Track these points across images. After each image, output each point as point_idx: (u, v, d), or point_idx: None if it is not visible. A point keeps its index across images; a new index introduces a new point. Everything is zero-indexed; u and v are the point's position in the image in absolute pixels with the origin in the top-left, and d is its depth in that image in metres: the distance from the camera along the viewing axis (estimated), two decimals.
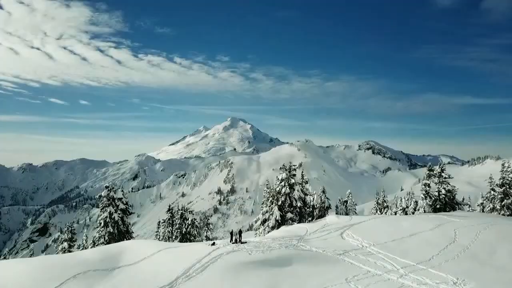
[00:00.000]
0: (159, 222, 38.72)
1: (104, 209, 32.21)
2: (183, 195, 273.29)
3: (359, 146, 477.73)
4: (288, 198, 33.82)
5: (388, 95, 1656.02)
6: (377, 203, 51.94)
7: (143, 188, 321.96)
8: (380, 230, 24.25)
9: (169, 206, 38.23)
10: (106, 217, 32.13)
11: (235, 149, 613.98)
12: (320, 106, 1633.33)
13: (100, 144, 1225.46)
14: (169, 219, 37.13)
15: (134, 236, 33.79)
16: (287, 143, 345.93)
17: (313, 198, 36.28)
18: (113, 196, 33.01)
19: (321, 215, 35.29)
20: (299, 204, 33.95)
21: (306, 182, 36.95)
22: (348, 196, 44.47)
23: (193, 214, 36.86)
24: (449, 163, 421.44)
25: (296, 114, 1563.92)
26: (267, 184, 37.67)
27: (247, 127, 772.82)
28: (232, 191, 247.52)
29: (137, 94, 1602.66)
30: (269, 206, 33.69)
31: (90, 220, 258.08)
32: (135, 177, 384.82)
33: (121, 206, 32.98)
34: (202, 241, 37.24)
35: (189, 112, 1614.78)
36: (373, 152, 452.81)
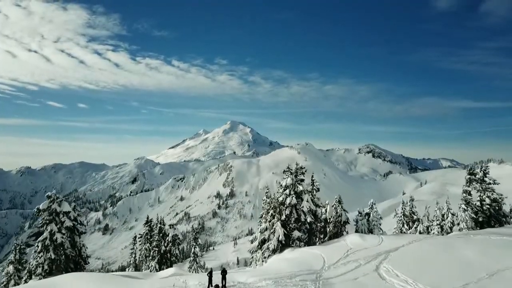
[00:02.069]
0: (135, 237, 31.75)
1: (45, 227, 23.96)
2: (181, 198, 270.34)
3: (359, 149, 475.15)
4: (294, 211, 26.01)
5: (387, 99, 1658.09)
6: (404, 214, 39.43)
7: (141, 191, 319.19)
8: (435, 262, 16.37)
9: (147, 218, 31.35)
10: (46, 238, 23.61)
11: (234, 152, 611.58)
12: (319, 110, 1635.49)
13: (99, 147, 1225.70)
14: (147, 233, 30.58)
15: (88, 262, 25.54)
16: (287, 146, 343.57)
17: (326, 210, 28.98)
18: (56, 210, 24.57)
19: (337, 233, 28.11)
20: (308, 219, 26.17)
21: (318, 190, 28.77)
22: (371, 207, 33.75)
23: (174, 228, 29.01)
24: (449, 166, 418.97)
25: (295, 117, 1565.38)
26: (266, 192, 29.49)
27: (247, 131, 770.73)
28: (232, 194, 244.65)
29: (136, 97, 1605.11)
30: (269, 222, 25.60)
31: (87, 224, 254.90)
32: (134, 181, 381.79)
33: (67, 223, 24.06)
34: (193, 257, 31.43)
35: (188, 115, 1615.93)
36: (373, 156, 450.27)
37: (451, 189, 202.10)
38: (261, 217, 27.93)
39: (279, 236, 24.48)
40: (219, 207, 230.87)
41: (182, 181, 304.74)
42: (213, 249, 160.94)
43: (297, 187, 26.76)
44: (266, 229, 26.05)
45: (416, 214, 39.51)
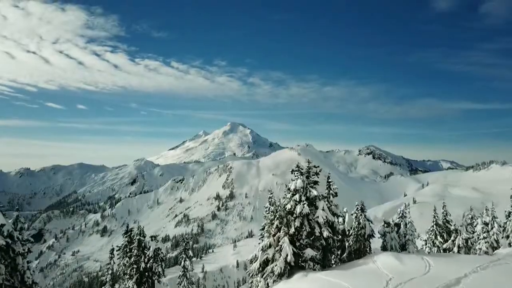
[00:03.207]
0: (112, 250, 25.93)
1: None
2: (181, 200, 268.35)
3: (359, 151, 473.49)
4: (306, 223, 19.99)
5: (387, 100, 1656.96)
6: (437, 224, 32.39)
7: (141, 193, 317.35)
8: None
9: (127, 228, 25.40)
10: None
11: (234, 154, 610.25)
12: (319, 111, 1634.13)
13: (99, 149, 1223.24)
14: (125, 245, 24.30)
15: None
16: (287, 147, 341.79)
17: (344, 220, 22.92)
18: None
19: (359, 249, 21.84)
20: (325, 233, 19.96)
21: (335, 195, 22.33)
22: (402, 215, 25.64)
23: (157, 241, 23.42)
24: (449, 168, 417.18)
25: (295, 119, 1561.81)
26: (270, 198, 23.59)
27: (247, 132, 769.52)
28: (231, 196, 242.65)
29: (135, 98, 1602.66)
30: (274, 236, 19.82)
31: (86, 226, 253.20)
32: (133, 182, 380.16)
33: None
34: (183, 271, 27.05)
35: (188, 117, 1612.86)
36: (374, 157, 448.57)
37: (453, 191, 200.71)
38: (262, 229, 21.85)
39: (286, 255, 18.41)
40: (218, 209, 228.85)
41: (181, 182, 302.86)
42: (213, 251, 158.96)
43: (310, 191, 20.46)
44: (270, 246, 19.93)
45: (451, 223, 31.82)
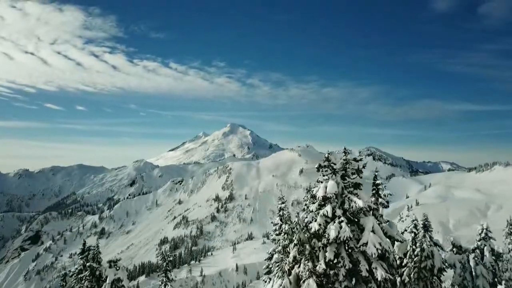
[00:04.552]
0: (65, 274, 19.68)
1: None
2: (180, 202, 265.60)
3: (360, 152, 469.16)
4: (345, 254, 12.76)
5: (387, 101, 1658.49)
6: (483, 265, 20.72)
7: (140, 194, 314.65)
8: None
9: (84, 246, 17.98)
10: None
11: (234, 155, 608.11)
12: (319, 112, 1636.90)
13: (98, 150, 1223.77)
14: (80, 270, 17.45)
15: None
16: (287, 149, 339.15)
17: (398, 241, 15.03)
18: None
19: None
20: (380, 273, 12.24)
21: (387, 204, 15.16)
22: (485, 236, 18.93)
23: (117, 267, 16.96)
24: (449, 169, 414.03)
25: (295, 120, 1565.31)
26: (280, 210, 15.68)
27: (247, 133, 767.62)
28: (231, 198, 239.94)
29: (134, 99, 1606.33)
30: (289, 276, 13.15)
31: (83, 228, 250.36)
32: (132, 183, 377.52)
33: None
34: None
35: (187, 118, 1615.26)
36: (374, 159, 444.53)
37: (456, 193, 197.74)
38: (269, 258, 15.19)
39: None
40: (218, 211, 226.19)
41: (180, 184, 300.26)
42: (212, 254, 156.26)
43: (350, 201, 13.09)
44: None
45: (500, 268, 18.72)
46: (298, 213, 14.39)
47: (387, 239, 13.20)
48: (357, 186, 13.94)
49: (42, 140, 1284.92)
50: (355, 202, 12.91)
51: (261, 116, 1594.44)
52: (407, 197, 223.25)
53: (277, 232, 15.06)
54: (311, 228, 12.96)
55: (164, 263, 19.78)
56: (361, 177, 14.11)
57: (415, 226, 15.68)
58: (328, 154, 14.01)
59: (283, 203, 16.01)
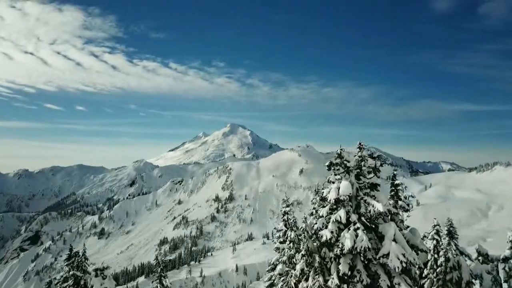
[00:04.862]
0: (50, 281, 18.54)
1: None
2: (179, 202, 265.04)
3: None
4: (362, 266, 10.83)
5: (387, 101, 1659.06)
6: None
7: (140, 194, 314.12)
8: None
9: (70, 251, 15.82)
10: None
11: (234, 155, 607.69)
12: (318, 112, 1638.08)
13: (98, 150, 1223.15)
14: (66, 279, 15.24)
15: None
16: (287, 149, 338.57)
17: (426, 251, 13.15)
18: None
19: None
20: None
21: (408, 208, 13.60)
22: None
23: (104, 276, 15.56)
24: (449, 169, 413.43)
25: (295, 120, 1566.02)
26: (284, 214, 14.35)
27: (247, 133, 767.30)
28: (231, 198, 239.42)
29: (134, 99, 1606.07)
30: (295, 286, 11.85)
31: (83, 228, 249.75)
32: (132, 184, 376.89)
33: None
34: None
35: (187, 118, 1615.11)
36: (374, 159, 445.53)
37: (456, 193, 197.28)
38: (272, 269, 13.62)
39: None
40: (217, 211, 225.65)
41: (180, 184, 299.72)
42: (211, 255, 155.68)
43: (367, 204, 11.40)
44: None
45: None
46: (305, 218, 12.37)
47: (410, 254, 10.77)
48: (374, 187, 12.00)
49: (42, 140, 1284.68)
50: (373, 206, 11.00)
51: (261, 116, 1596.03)
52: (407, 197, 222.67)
53: (281, 240, 13.39)
54: (321, 236, 10.95)
55: (159, 268, 17.96)
56: (378, 177, 12.31)
57: (437, 232, 13.89)
58: (341, 149, 12.20)
59: (287, 206, 14.23)
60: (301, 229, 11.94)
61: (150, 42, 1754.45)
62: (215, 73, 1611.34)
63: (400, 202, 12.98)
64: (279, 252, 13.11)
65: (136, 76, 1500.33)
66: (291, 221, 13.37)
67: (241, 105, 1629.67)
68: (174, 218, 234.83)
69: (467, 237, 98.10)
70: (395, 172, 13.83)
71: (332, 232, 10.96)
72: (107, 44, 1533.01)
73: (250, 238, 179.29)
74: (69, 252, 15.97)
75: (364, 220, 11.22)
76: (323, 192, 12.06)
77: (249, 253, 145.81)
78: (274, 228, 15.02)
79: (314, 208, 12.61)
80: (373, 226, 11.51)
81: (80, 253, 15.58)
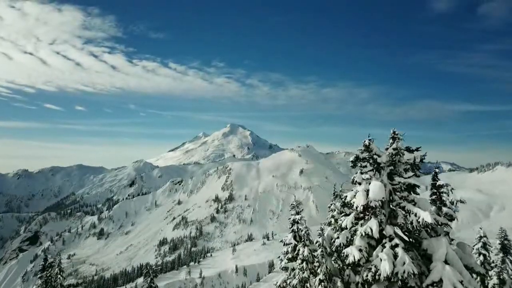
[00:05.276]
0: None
1: None
2: (179, 202, 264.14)
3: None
4: None
5: (386, 101, 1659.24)
6: None
7: (139, 195, 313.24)
8: None
9: (45, 258, 14.80)
10: None
11: (234, 155, 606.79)
12: (318, 113, 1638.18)
13: (98, 150, 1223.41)
14: (45, 281, 13.73)
15: None
16: (287, 149, 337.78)
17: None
18: None
19: None
20: None
21: (455, 217, 10.01)
22: None
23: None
24: (449, 170, 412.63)
25: (294, 120, 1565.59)
26: (294, 223, 11.28)
27: (247, 134, 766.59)
28: (230, 198, 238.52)
29: (134, 100, 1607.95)
30: None
31: (82, 229, 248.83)
32: (132, 184, 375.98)
33: None
34: None
35: (187, 118, 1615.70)
36: None
37: (457, 193, 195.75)
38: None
39: None
40: (217, 211, 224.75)
41: (180, 184, 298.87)
42: (211, 255, 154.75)
43: (407, 213, 8.78)
44: None
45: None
46: (322, 230, 9.86)
47: (467, 274, 8.06)
48: (411, 189, 9.46)
49: (41, 140, 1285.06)
50: (415, 215, 8.34)
51: (261, 117, 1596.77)
52: None
53: (290, 257, 10.35)
54: (346, 256, 8.33)
55: (149, 278, 15.75)
56: (418, 176, 9.69)
57: (485, 246, 11.14)
58: (369, 140, 9.66)
59: (297, 213, 11.07)
60: (318, 244, 9.45)
61: (149, 42, 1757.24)
62: (215, 73, 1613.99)
63: (445, 209, 9.80)
64: (286, 272, 10.13)
65: (135, 76, 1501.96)
66: (303, 233, 10.28)
67: (241, 105, 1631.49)
68: (174, 218, 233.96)
69: (468, 238, 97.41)
70: (436, 170, 10.69)
71: (361, 251, 8.30)
72: (107, 44, 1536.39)
73: (250, 238, 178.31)
74: (43, 263, 13.98)
75: (402, 234, 8.38)
76: (346, 196, 9.44)
77: (249, 253, 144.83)
78: (281, 241, 11.69)
79: (333, 217, 10.15)
80: (414, 241, 8.79)
81: (56, 264, 14.04)
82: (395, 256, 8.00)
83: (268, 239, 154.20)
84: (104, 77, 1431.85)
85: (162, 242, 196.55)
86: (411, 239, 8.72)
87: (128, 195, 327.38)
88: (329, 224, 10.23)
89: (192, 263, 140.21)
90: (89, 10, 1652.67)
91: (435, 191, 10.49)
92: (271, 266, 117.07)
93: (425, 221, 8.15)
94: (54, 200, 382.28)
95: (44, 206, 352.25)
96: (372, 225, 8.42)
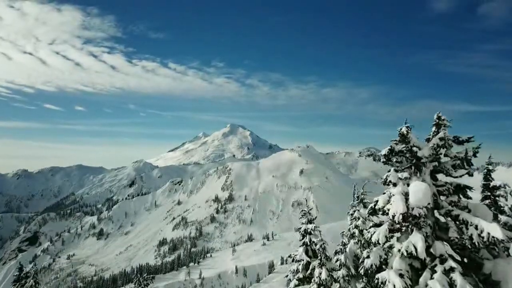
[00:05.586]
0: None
1: None
2: (179, 202, 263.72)
3: (360, 153, 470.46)
4: None
5: (386, 102, 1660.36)
6: None
7: (139, 195, 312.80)
8: None
9: (20, 267, 13.67)
10: None
11: (234, 155, 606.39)
12: (318, 113, 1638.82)
13: (97, 150, 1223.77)
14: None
15: None
16: (287, 149, 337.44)
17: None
18: None
19: None
20: None
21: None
22: None
23: None
24: None
25: (294, 120, 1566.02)
26: (306, 239, 9.21)
27: (247, 134, 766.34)
28: (230, 198, 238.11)
29: (134, 100, 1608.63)
30: None
31: (82, 229, 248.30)
32: (131, 184, 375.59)
33: None
34: None
35: (187, 119, 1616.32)
36: (374, 159, 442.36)
37: None
38: None
39: None
40: (217, 212, 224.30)
41: (179, 184, 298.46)
42: (211, 256, 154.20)
43: (462, 224, 6.42)
44: None
45: None
46: (344, 245, 7.69)
47: None
48: (462, 191, 7.32)
49: (41, 141, 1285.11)
50: (476, 227, 6.01)
51: (261, 117, 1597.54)
52: None
53: (301, 276, 8.16)
54: (381, 283, 5.98)
55: (142, 286, 15.08)
56: (471, 174, 7.50)
57: None
58: (406, 128, 7.61)
59: (310, 221, 8.83)
60: (337, 262, 7.27)
61: (149, 42, 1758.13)
62: (215, 73, 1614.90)
63: (503, 218, 7.47)
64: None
65: (135, 76, 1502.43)
66: (318, 246, 7.88)
67: (241, 105, 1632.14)
68: (174, 218, 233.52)
69: None
70: (490, 167, 8.54)
71: (402, 276, 5.86)
72: (106, 44, 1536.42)
73: (250, 239, 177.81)
74: (18, 272, 12.91)
75: (454, 254, 5.96)
76: (376, 201, 7.21)
77: (249, 254, 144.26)
78: (289, 256, 9.17)
79: (356, 227, 7.84)
80: (469, 261, 6.28)
81: (31, 274, 12.92)
82: (451, 284, 5.63)
83: (268, 240, 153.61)
84: (104, 77, 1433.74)
85: (162, 243, 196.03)
86: (464, 259, 6.28)
87: (128, 195, 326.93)
88: (352, 236, 7.79)
89: (191, 264, 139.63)
90: (89, 10, 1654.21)
91: (489, 193, 8.45)
92: (271, 266, 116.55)
93: (493, 237, 5.66)
94: (53, 200, 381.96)
95: (44, 206, 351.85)
96: (417, 241, 6.00)
